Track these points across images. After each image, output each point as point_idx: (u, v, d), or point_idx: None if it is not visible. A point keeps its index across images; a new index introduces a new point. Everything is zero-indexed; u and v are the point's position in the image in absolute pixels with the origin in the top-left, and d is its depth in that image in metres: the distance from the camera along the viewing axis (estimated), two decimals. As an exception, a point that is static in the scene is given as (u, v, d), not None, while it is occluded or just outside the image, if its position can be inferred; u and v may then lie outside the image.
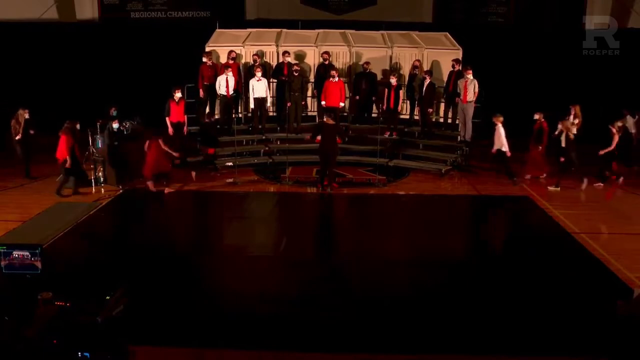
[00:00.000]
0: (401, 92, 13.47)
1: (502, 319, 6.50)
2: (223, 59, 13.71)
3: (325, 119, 11.55)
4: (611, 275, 7.66)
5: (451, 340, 6.06)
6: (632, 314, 6.11)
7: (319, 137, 11.40)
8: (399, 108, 13.48)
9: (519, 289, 7.27)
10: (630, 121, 13.34)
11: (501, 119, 11.93)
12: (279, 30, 14.84)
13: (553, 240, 9.15)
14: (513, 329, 6.28)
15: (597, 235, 9.20)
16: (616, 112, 13.12)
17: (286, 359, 5.90)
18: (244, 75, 13.67)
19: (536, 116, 12.19)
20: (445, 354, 5.89)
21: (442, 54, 13.99)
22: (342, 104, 13.24)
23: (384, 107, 13.21)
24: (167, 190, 11.21)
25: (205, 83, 13.26)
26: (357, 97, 13.72)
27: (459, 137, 13.32)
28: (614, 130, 11.72)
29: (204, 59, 13.24)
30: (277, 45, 14.13)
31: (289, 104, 13.38)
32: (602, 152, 11.79)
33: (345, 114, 13.85)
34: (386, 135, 13.05)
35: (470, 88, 12.87)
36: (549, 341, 6.04)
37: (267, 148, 13.39)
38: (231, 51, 13.55)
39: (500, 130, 11.85)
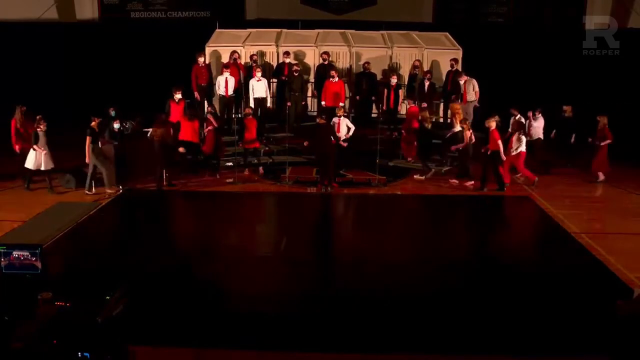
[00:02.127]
0: (401, 92, 13.48)
1: (502, 319, 6.49)
2: (224, 59, 13.71)
3: (318, 120, 11.58)
4: (611, 275, 7.65)
5: (451, 340, 6.06)
6: (632, 314, 6.10)
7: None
8: (399, 108, 13.50)
9: (519, 289, 7.27)
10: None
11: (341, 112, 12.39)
12: (279, 30, 14.85)
13: (553, 240, 9.16)
14: (513, 329, 6.28)
15: (597, 235, 9.19)
16: (613, 112, 13.13)
17: (286, 359, 5.90)
18: (244, 75, 13.67)
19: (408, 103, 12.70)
20: (445, 354, 5.89)
21: (442, 54, 14.00)
22: (342, 104, 13.24)
23: (384, 107, 13.22)
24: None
25: (200, 84, 13.24)
26: (358, 97, 13.73)
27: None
28: (466, 128, 11.77)
29: (199, 59, 13.18)
30: (277, 45, 14.13)
31: (289, 104, 13.38)
32: (454, 148, 11.95)
33: (345, 114, 13.83)
34: (394, 136, 13.09)
35: (469, 88, 12.89)
36: (549, 341, 6.04)
37: (267, 148, 13.38)
38: (234, 51, 13.55)
39: (343, 122, 12.18)
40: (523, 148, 11.66)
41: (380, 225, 9.98)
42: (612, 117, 12.38)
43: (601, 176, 12.14)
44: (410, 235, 9.55)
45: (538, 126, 12.56)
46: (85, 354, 4.84)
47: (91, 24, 17.60)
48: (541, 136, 12.58)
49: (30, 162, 10.90)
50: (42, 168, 10.93)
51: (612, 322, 6.16)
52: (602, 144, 11.90)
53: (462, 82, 13.00)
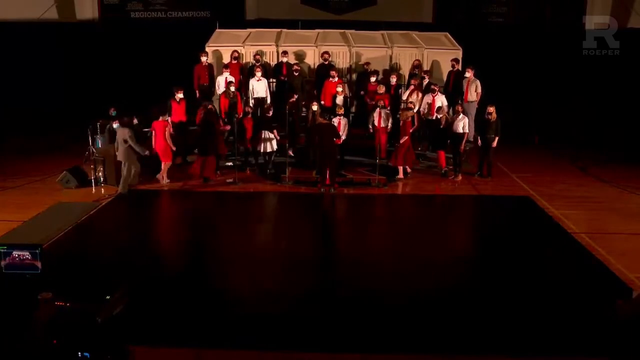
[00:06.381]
0: (401, 92, 13.46)
1: (502, 319, 6.50)
2: (224, 59, 13.72)
3: (320, 119, 11.58)
4: (611, 275, 7.66)
5: (451, 340, 6.06)
6: (632, 314, 6.10)
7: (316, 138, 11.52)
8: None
9: (518, 289, 7.27)
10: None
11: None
12: (279, 30, 14.83)
13: (553, 240, 9.16)
14: (513, 329, 6.28)
15: (597, 235, 9.20)
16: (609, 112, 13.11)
17: (286, 359, 5.90)
18: (245, 75, 13.67)
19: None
20: (446, 354, 5.89)
21: (442, 54, 13.97)
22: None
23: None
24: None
25: (202, 83, 13.25)
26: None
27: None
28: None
29: (202, 58, 13.22)
30: (277, 45, 14.11)
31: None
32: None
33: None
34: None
35: (472, 88, 12.88)
36: (549, 341, 6.04)
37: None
38: (234, 51, 13.56)
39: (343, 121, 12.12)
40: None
41: (380, 226, 9.98)
42: (612, 117, 12.38)
43: (408, 170, 12.33)
44: (409, 235, 9.54)
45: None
46: (85, 354, 4.84)
47: (91, 24, 17.60)
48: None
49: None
50: (268, 150, 12.26)
51: (612, 322, 6.17)
52: (402, 141, 11.89)
53: (466, 77, 12.96)
